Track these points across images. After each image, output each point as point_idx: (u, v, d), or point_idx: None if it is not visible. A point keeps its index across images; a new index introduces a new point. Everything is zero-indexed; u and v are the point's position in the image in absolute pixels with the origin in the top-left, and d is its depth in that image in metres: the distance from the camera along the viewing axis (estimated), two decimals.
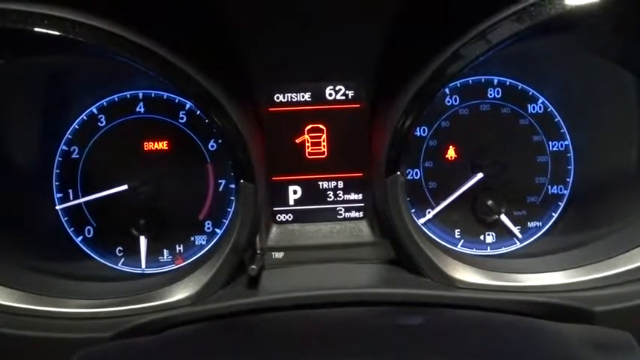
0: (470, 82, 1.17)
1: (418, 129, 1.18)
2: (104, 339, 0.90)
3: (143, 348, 0.86)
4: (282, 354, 0.81)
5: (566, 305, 0.90)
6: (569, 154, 1.21)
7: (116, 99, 1.16)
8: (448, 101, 1.18)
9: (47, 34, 0.84)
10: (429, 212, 1.19)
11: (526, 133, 1.19)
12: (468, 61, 0.93)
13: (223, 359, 0.83)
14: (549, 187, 1.21)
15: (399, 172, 1.02)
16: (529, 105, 1.19)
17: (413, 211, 1.15)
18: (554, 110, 1.20)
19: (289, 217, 1.17)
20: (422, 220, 1.19)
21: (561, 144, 1.20)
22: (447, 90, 1.17)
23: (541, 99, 1.19)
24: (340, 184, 1.17)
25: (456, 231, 1.21)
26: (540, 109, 1.19)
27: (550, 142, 1.20)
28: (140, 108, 1.17)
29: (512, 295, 0.96)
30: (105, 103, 1.16)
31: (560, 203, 1.21)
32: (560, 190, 1.21)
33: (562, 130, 1.20)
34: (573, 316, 0.88)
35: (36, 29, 0.84)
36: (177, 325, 0.93)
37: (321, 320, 0.94)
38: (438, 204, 1.19)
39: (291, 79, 1.12)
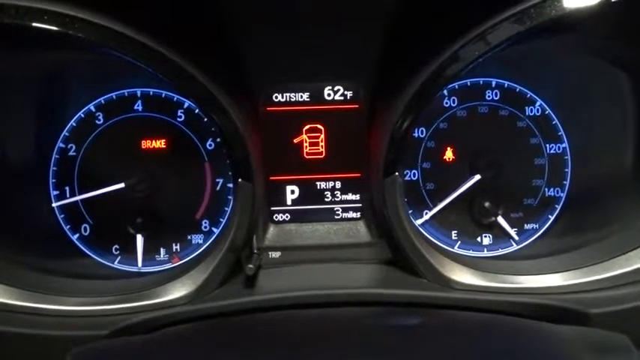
0: (468, 83, 1.18)
1: (416, 130, 1.18)
2: (100, 337, 0.90)
3: (139, 346, 0.85)
4: (278, 353, 0.81)
5: (562, 307, 0.90)
6: (566, 157, 1.21)
7: (114, 97, 1.16)
8: (446, 103, 1.18)
9: (46, 29, 0.84)
10: (427, 213, 1.20)
11: (524, 136, 1.20)
12: (467, 62, 0.93)
13: (219, 358, 0.82)
14: (546, 189, 1.21)
15: (397, 173, 1.02)
16: (527, 107, 1.19)
17: (410, 212, 1.15)
18: (551, 113, 1.20)
19: (286, 216, 1.17)
20: (419, 221, 1.19)
21: (558, 146, 1.21)
22: (445, 92, 1.17)
23: (539, 101, 1.19)
24: (338, 185, 1.17)
25: (453, 232, 1.21)
26: (538, 112, 1.20)
27: (547, 145, 1.20)
28: (138, 106, 1.17)
29: (508, 297, 0.96)
30: (103, 101, 1.16)
31: (556, 205, 1.22)
32: (557, 193, 1.22)
33: (559, 133, 1.20)
34: (569, 318, 0.88)
35: (35, 24, 0.84)
36: (173, 324, 0.93)
37: (317, 320, 0.94)
38: (435, 205, 1.19)
39: (290, 79, 1.12)
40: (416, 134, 1.18)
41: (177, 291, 1.01)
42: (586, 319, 0.89)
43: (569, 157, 1.21)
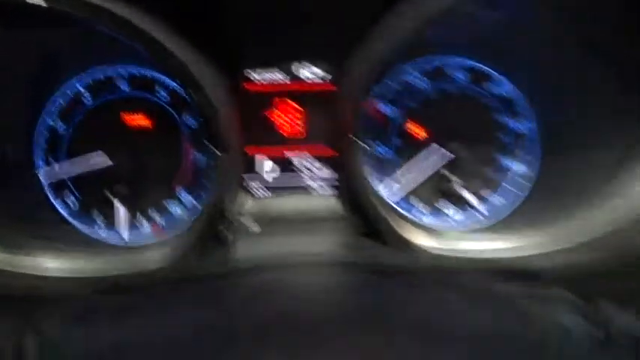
0: (438, 64, 1.23)
1: (388, 109, 1.23)
2: (79, 298, 0.95)
3: (112, 307, 0.90)
4: (247, 314, 0.86)
5: (515, 271, 0.95)
6: (536, 137, 1.25)
7: (102, 77, 1.23)
8: (416, 82, 1.23)
9: (33, 5, 0.90)
10: (398, 188, 1.24)
11: (493, 116, 1.24)
12: (415, 36, 0.97)
13: (193, 316, 0.87)
14: (516, 167, 1.26)
15: (363, 145, 1.07)
16: (497, 88, 1.24)
17: (383, 187, 1.20)
18: (521, 94, 1.24)
19: (265, 191, 1.22)
20: (391, 195, 1.24)
21: (528, 126, 1.25)
22: (416, 72, 1.22)
23: (509, 82, 1.24)
24: (315, 162, 1.22)
25: (423, 207, 1.26)
26: (508, 93, 1.24)
27: (517, 125, 1.25)
28: (125, 86, 1.23)
29: (469, 263, 1.01)
30: (91, 82, 1.22)
31: (527, 183, 1.26)
32: (527, 171, 1.26)
33: (529, 113, 1.25)
34: (519, 281, 0.92)
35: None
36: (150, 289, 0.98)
37: (292, 284, 0.99)
38: (407, 181, 1.24)
39: (270, 58, 1.17)
40: (388, 114, 1.23)
41: (157, 260, 1.06)
42: (538, 281, 0.93)
43: (538, 137, 1.25)
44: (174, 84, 1.21)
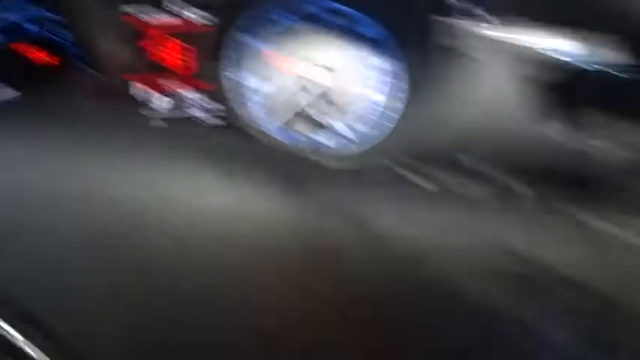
0: (307, 5, 1.36)
1: (262, 45, 1.37)
2: None
3: None
4: None
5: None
6: (404, 74, 1.38)
7: (12, 20, 1.38)
8: (289, 22, 1.36)
9: None
10: (274, 117, 1.39)
11: (363, 54, 1.38)
12: None
13: None
14: (385, 101, 1.39)
15: (238, 78, 1.22)
16: (365, 29, 1.37)
17: (260, 116, 1.35)
18: (390, 33, 1.37)
19: (158, 121, 1.38)
20: (268, 124, 1.39)
21: (395, 64, 1.38)
22: (287, 12, 1.36)
23: (376, 23, 1.37)
24: (200, 95, 1.37)
25: (298, 134, 1.40)
26: (377, 34, 1.37)
27: (385, 63, 1.38)
28: (34, 28, 1.38)
29: None
30: (2, 25, 1.38)
31: (394, 115, 1.40)
32: (395, 104, 1.39)
33: (397, 52, 1.37)
34: None
35: None
36: None
37: None
38: (282, 111, 1.38)
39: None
40: (261, 48, 1.37)
41: None
42: None
43: (406, 73, 1.38)
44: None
